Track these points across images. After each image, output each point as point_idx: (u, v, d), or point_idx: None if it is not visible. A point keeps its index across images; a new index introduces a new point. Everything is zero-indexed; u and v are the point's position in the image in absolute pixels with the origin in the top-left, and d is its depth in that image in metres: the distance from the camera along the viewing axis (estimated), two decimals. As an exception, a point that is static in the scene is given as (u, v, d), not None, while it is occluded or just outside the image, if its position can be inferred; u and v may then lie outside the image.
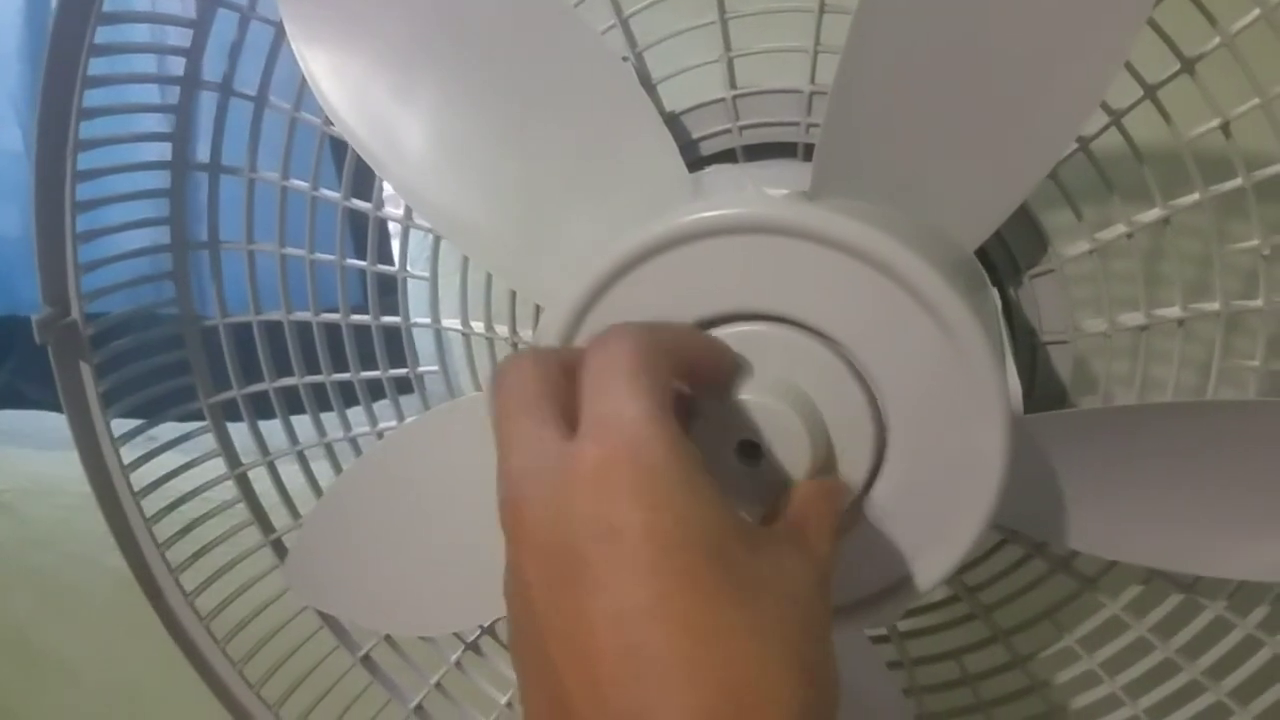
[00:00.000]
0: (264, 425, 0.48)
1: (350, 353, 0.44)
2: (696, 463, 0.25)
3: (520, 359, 0.28)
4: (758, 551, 0.25)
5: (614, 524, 0.23)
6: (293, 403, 0.47)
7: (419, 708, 0.49)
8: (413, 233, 0.44)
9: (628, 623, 0.22)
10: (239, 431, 0.48)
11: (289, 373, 0.46)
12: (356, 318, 0.44)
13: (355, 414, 0.47)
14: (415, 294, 0.45)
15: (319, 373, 0.45)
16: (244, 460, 0.48)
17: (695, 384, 0.30)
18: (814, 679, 0.23)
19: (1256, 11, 0.33)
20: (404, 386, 0.46)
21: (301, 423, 0.47)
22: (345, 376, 0.45)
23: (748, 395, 0.31)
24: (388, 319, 0.44)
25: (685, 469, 0.24)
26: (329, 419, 0.47)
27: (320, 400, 0.47)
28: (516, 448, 0.26)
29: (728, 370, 0.31)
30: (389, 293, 0.44)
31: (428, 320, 0.44)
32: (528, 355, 0.28)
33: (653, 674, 0.22)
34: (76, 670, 0.96)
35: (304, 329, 0.45)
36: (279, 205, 0.43)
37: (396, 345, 0.45)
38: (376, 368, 0.45)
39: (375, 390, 0.46)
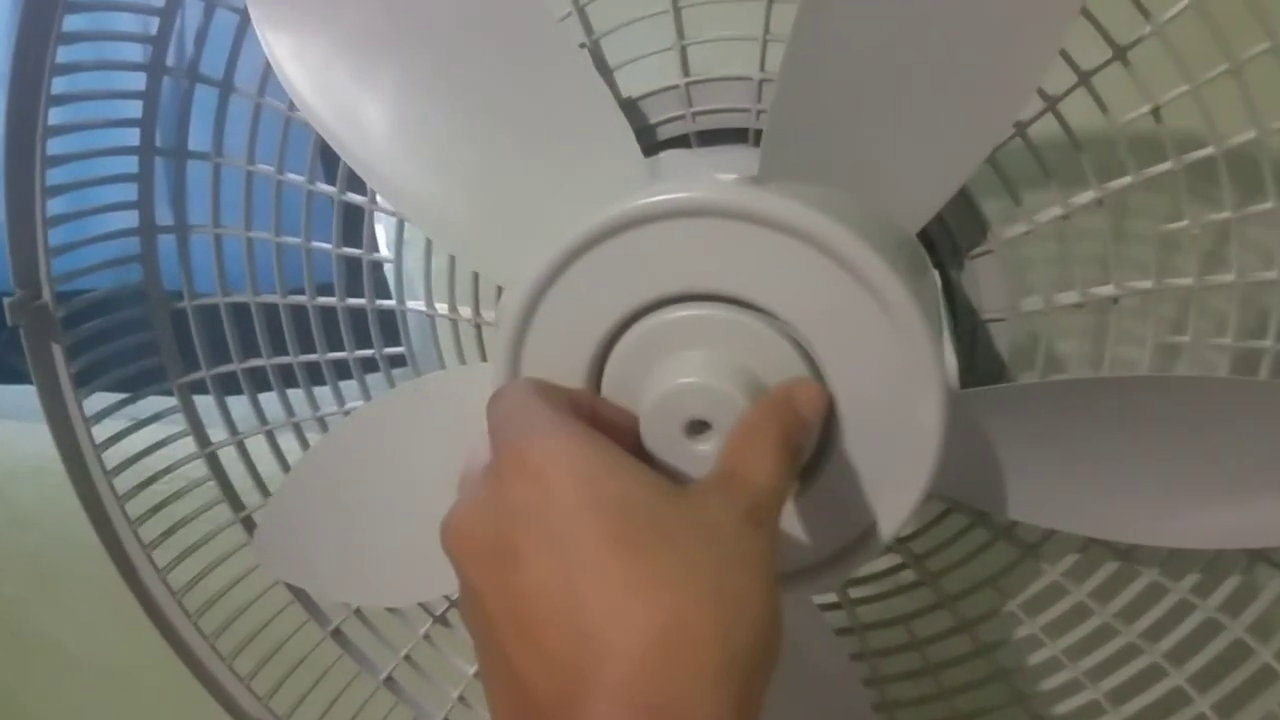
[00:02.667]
0: (238, 403, 0.49)
1: (317, 334, 0.45)
2: (602, 441, 0.26)
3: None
4: (676, 502, 0.26)
5: (531, 505, 0.25)
6: (263, 382, 0.48)
7: (389, 679, 0.51)
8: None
9: (560, 587, 0.24)
10: (213, 409, 0.49)
11: (262, 353, 0.47)
12: (323, 300, 0.45)
13: (324, 394, 0.48)
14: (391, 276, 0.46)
15: (288, 353, 0.46)
16: (214, 439, 0.49)
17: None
18: (741, 608, 0.24)
19: (1185, 1, 0.34)
20: (370, 366, 0.47)
21: (270, 401, 0.48)
22: (313, 357, 0.46)
23: (693, 377, 0.32)
24: (353, 300, 0.45)
25: (592, 446, 0.26)
26: (296, 398, 0.48)
27: (288, 380, 0.48)
28: (457, 498, 0.28)
29: (626, 425, 0.32)
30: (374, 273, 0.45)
31: (393, 302, 0.45)
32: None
33: (589, 629, 0.23)
34: (67, 649, 0.97)
35: (291, 310, 0.46)
36: (244, 189, 0.43)
37: (368, 326, 0.46)
38: (344, 348, 0.46)
39: (343, 370, 0.47)
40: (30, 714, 1.03)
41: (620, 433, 0.31)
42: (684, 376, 0.32)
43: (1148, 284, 0.38)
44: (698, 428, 0.32)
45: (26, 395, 0.80)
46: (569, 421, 0.27)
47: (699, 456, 0.32)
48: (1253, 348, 0.38)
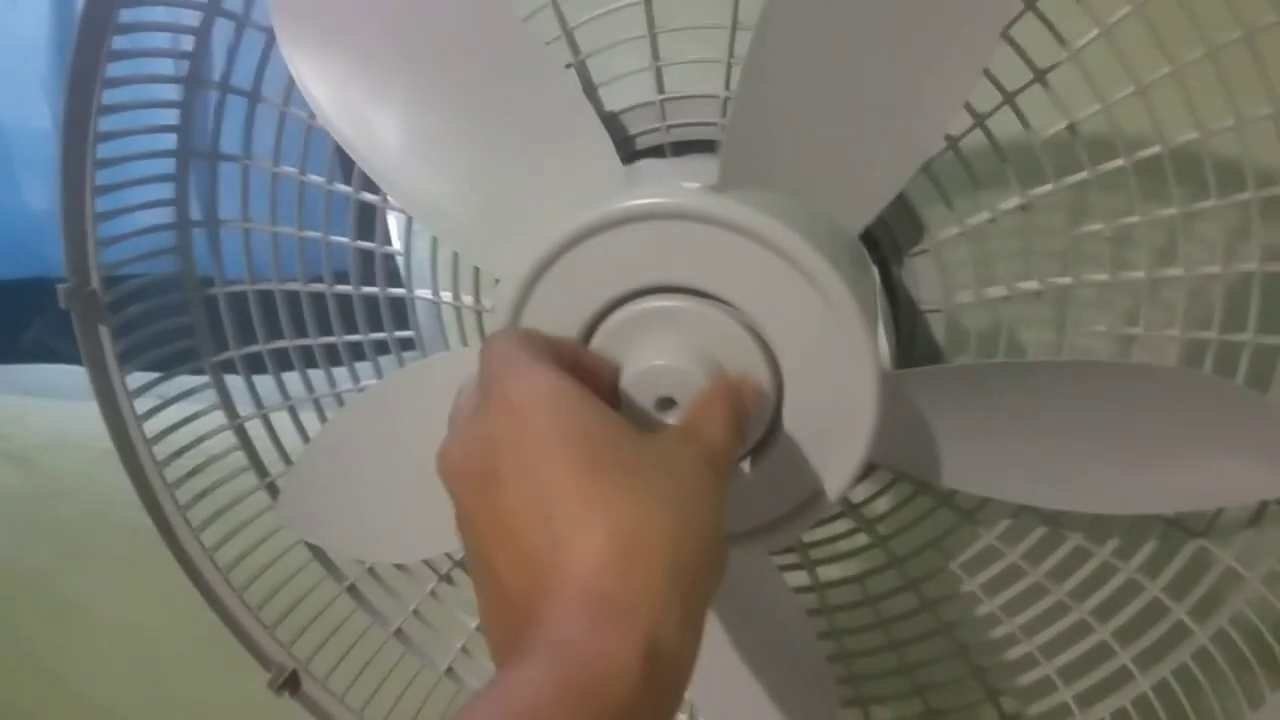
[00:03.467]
0: (263, 381, 0.54)
1: (334, 318, 0.50)
2: (574, 383, 0.31)
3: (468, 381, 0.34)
4: (641, 442, 0.31)
5: (511, 435, 0.29)
6: (286, 363, 0.53)
7: (399, 631, 0.56)
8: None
9: (535, 504, 0.28)
10: (241, 386, 0.54)
11: (285, 335, 0.52)
12: (340, 288, 0.50)
13: (341, 374, 0.53)
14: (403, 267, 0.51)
15: (309, 336, 0.52)
16: (241, 413, 0.54)
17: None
18: (691, 525, 0.29)
19: (1096, 31, 0.39)
20: (382, 348, 0.52)
21: (294, 380, 0.54)
22: (331, 340, 0.51)
23: (663, 360, 0.37)
24: (367, 289, 0.50)
25: (564, 386, 0.30)
26: (316, 377, 0.53)
27: (309, 361, 0.53)
28: (449, 432, 0.32)
29: (606, 373, 0.37)
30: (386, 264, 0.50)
31: (403, 290, 0.50)
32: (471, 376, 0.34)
33: (557, 535, 0.28)
34: (94, 616, 1.02)
35: (312, 297, 0.51)
36: (271, 188, 0.49)
37: (397, 312, 0.51)
38: (359, 331, 0.51)
39: (359, 352, 0.52)
40: (58, 676, 1.08)
41: (598, 380, 0.36)
42: (657, 359, 0.37)
43: (1067, 279, 0.42)
44: (666, 403, 0.37)
45: (63, 374, 0.86)
46: (546, 366, 0.31)
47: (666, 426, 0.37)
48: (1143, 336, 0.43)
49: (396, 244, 0.50)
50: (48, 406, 0.92)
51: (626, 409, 0.37)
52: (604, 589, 0.27)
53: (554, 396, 0.30)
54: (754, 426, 0.37)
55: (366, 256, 0.50)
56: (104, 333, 0.50)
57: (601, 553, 0.27)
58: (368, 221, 0.50)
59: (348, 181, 0.48)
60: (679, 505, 0.29)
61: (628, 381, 0.37)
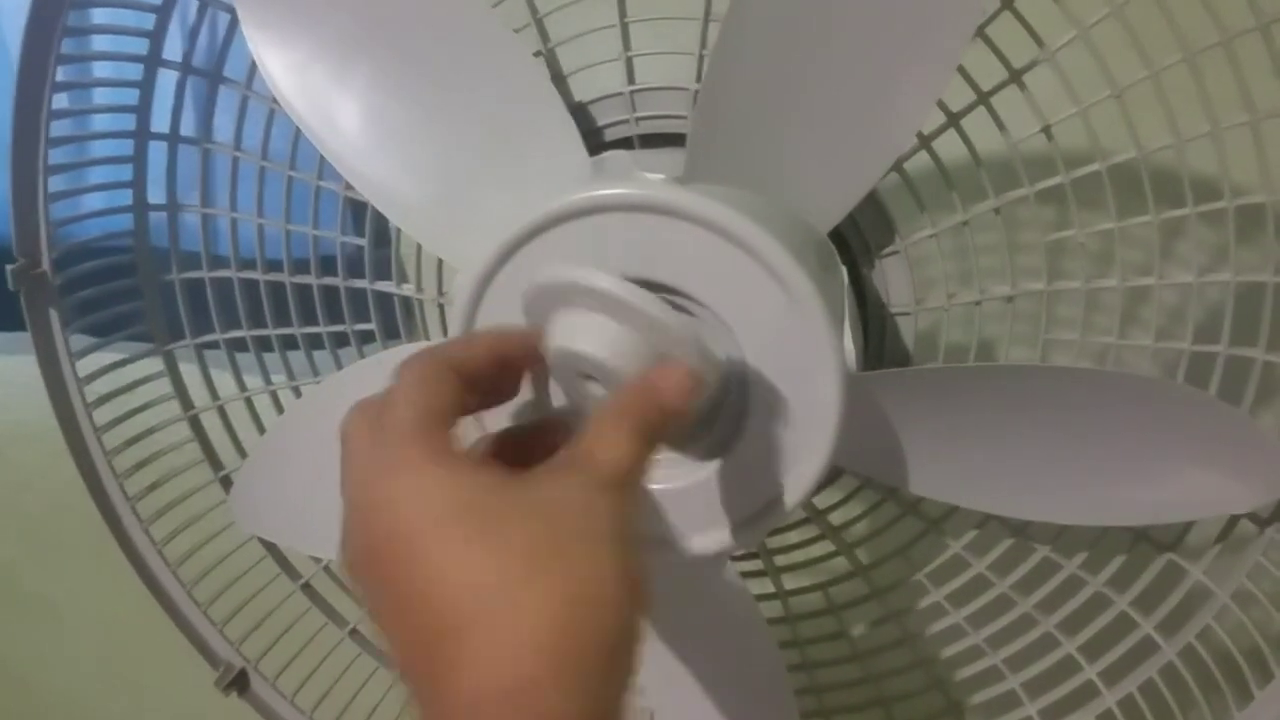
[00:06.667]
0: (220, 368, 0.53)
1: (294, 309, 0.49)
2: (443, 445, 0.29)
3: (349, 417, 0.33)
4: (506, 493, 0.28)
5: (378, 530, 0.28)
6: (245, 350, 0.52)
7: (354, 631, 0.54)
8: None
9: (415, 592, 0.27)
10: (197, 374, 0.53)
11: (257, 324, 0.51)
12: (298, 278, 0.48)
13: (301, 365, 0.52)
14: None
15: (266, 326, 0.50)
16: (196, 402, 0.53)
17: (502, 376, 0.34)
18: (571, 571, 0.27)
19: (1073, 33, 0.38)
20: (342, 340, 0.51)
21: (252, 370, 0.52)
22: (289, 330, 0.50)
23: (579, 346, 0.34)
24: (327, 280, 0.48)
25: (428, 450, 0.29)
26: (275, 366, 0.52)
27: (267, 350, 0.51)
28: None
29: (532, 343, 0.35)
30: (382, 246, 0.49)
31: (365, 281, 0.49)
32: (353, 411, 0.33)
33: (439, 624, 0.26)
34: (58, 609, 1.01)
35: (271, 286, 0.49)
36: (230, 173, 0.47)
37: (360, 303, 0.50)
38: (338, 322, 0.50)
39: (318, 342, 0.51)
40: (20, 671, 1.06)
41: (523, 359, 0.34)
42: (576, 343, 0.34)
43: (1039, 285, 0.42)
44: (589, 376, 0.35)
45: (23, 366, 0.84)
46: (404, 454, 0.29)
47: (591, 393, 0.35)
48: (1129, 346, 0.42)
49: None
50: (15, 393, 0.90)
51: (555, 376, 0.36)
52: (487, 682, 0.25)
53: (414, 485, 0.28)
54: (679, 421, 0.34)
55: (344, 246, 0.48)
56: (54, 315, 0.48)
57: (481, 650, 0.26)
58: (331, 210, 0.49)
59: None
60: (561, 545, 0.27)
61: (551, 356, 0.35)
